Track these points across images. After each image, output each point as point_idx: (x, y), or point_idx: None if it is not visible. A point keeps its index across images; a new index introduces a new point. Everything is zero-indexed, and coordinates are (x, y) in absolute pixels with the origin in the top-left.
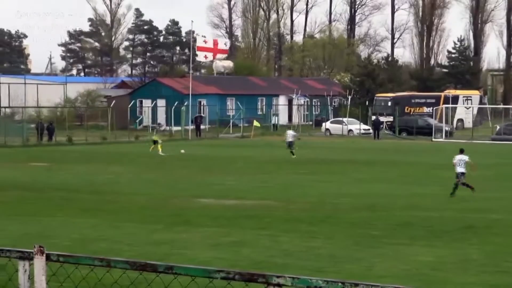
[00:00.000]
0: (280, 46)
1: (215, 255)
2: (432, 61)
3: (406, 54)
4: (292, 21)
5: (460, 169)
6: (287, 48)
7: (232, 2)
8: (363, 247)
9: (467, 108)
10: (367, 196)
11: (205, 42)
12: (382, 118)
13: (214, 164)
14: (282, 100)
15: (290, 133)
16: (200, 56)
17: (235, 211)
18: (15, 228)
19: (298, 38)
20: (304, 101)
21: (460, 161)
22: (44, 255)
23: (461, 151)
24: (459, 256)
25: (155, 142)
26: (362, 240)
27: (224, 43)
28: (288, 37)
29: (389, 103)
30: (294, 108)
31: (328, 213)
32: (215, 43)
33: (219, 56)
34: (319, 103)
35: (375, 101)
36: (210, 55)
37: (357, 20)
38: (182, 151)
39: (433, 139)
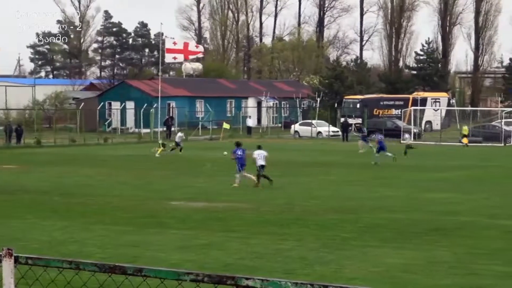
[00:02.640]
0: (249, 48)
1: (185, 257)
2: (401, 64)
3: (375, 56)
4: (261, 23)
5: (260, 162)
6: (256, 51)
7: (201, 4)
8: (333, 249)
9: (435, 110)
10: (336, 198)
11: (175, 44)
12: (350, 120)
13: (184, 166)
14: (251, 102)
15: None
16: (169, 58)
17: (204, 213)
18: None
19: (267, 40)
20: (273, 103)
21: (259, 155)
22: (13, 257)
23: (259, 147)
24: (428, 258)
25: (163, 145)
26: (332, 242)
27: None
28: (257, 40)
29: (358, 105)
30: (263, 110)
31: (298, 215)
32: (186, 45)
33: (191, 57)
34: (288, 105)
35: (343, 103)
36: (180, 57)
37: (326, 23)
38: (225, 153)
39: (402, 141)
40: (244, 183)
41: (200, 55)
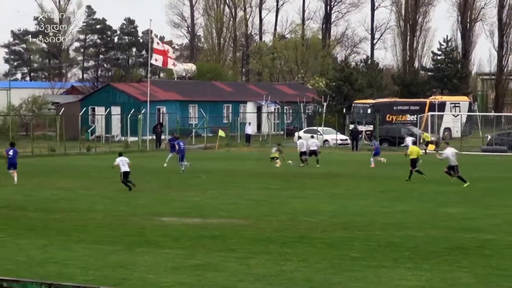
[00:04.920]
0: (248, 47)
1: (177, 279)
2: (416, 64)
3: (387, 56)
4: (261, 19)
5: (124, 168)
6: (255, 50)
7: None
8: (341, 270)
9: (455, 116)
10: (344, 213)
11: (158, 43)
12: (361, 127)
13: (175, 178)
14: (250, 107)
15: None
16: (155, 60)
17: (199, 231)
18: None
19: (268, 38)
20: (275, 108)
21: (123, 161)
22: None
23: (120, 154)
24: (448, 280)
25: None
26: (340, 262)
27: (172, 52)
28: (257, 38)
29: (369, 111)
30: (264, 116)
31: (302, 232)
32: (166, 50)
33: (170, 61)
34: (291, 111)
35: (353, 108)
36: (160, 59)
37: (333, 19)
38: (290, 162)
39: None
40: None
41: (172, 66)
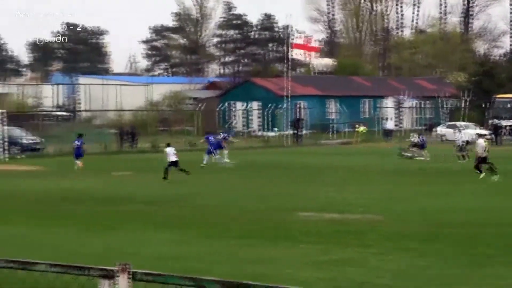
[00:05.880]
0: (386, 42)
1: (316, 274)
2: None
3: None
4: (400, 13)
5: (172, 158)
6: (393, 44)
7: None
8: (478, 266)
9: None
10: (481, 210)
11: (299, 38)
12: (503, 122)
13: (315, 173)
14: (389, 102)
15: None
16: (295, 54)
17: (337, 226)
18: (94, 243)
19: (407, 33)
20: (414, 103)
21: (171, 151)
22: (129, 273)
23: (168, 145)
24: None
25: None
26: (476, 259)
27: (317, 40)
28: (396, 32)
29: (509, 105)
30: (404, 111)
31: (439, 229)
32: (308, 40)
33: (312, 54)
34: (430, 106)
35: (494, 103)
36: (302, 53)
37: (474, 13)
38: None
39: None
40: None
41: (316, 53)
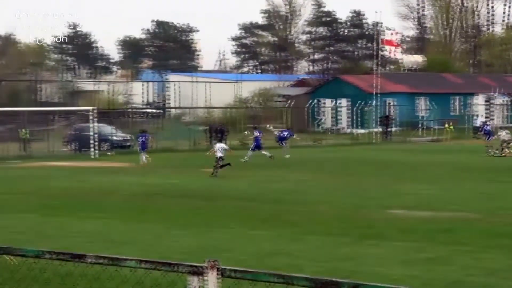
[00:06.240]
0: (477, 39)
1: (407, 272)
2: None
3: None
4: (491, 10)
5: (219, 154)
6: (484, 41)
7: None
8: None
9: None
10: None
11: (392, 34)
12: None
13: (405, 171)
14: (479, 99)
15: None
16: (386, 51)
17: (429, 224)
18: (186, 240)
19: (498, 29)
20: (505, 101)
21: (221, 147)
22: (218, 270)
23: (220, 141)
24: None
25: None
26: None
27: (407, 36)
28: (487, 29)
29: None
30: (495, 108)
31: None
32: (398, 37)
33: (400, 50)
34: None
35: None
36: (394, 50)
37: None
38: None
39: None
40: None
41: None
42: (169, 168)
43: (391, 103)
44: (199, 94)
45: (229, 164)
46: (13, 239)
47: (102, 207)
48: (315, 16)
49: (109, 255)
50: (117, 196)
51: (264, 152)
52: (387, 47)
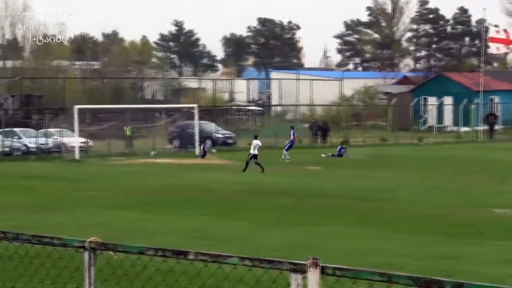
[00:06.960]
0: None
1: (509, 272)
2: None
3: None
4: None
5: (253, 152)
6: None
7: None
8: None
9: None
10: None
11: (497, 32)
12: None
13: (509, 170)
14: None
15: None
16: (493, 48)
17: None
18: (283, 237)
19: None
20: None
21: (257, 143)
22: (319, 268)
23: (255, 137)
24: None
25: None
26: None
27: None
28: None
29: None
30: None
31: None
32: (507, 33)
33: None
34: None
35: None
36: (502, 47)
37: None
38: None
39: None
40: None
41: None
42: (267, 166)
43: (496, 101)
44: (301, 91)
45: (262, 168)
46: (113, 236)
47: (200, 204)
48: (419, 13)
49: (210, 251)
50: (216, 193)
51: (285, 152)
52: (498, 44)
